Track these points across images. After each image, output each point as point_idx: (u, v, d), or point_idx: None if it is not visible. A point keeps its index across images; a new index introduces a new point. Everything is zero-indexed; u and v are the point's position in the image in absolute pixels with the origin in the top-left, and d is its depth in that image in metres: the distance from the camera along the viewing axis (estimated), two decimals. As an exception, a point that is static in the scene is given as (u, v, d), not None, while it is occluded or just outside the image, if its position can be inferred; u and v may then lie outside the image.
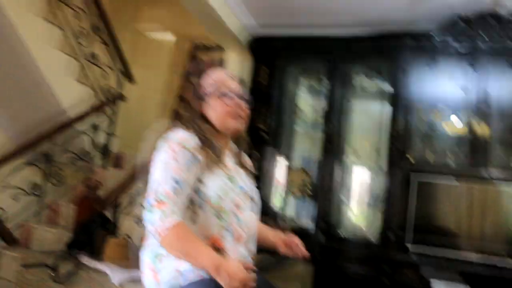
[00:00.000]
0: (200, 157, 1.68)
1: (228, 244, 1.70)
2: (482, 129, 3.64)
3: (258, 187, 1.95)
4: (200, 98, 1.83)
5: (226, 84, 1.83)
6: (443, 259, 3.49)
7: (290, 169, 4.25)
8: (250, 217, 1.80)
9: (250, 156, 2.02)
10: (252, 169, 1.99)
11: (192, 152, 1.66)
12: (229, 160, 1.85)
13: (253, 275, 1.51)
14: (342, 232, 3.93)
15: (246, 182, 1.86)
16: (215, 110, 1.80)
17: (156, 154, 1.69)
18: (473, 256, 3.46)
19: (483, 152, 3.61)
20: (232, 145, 1.91)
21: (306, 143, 4.37)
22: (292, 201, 4.25)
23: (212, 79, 1.85)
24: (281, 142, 4.26)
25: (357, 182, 4.10)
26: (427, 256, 3.54)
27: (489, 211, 3.56)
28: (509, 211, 3.55)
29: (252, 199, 1.84)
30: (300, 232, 3.82)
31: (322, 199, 3.96)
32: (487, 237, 3.51)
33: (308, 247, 1.92)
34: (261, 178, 4.00)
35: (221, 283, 1.49)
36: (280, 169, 4.21)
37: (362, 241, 3.84)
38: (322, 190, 3.98)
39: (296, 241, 1.93)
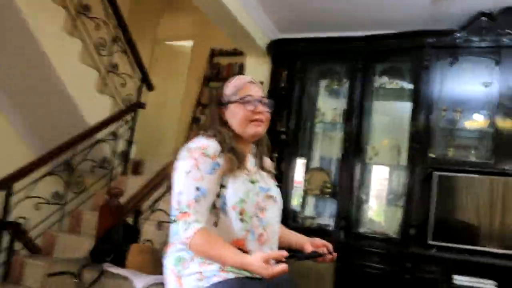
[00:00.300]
0: (221, 163, 1.68)
1: (251, 246, 1.69)
2: (505, 124, 3.58)
3: (279, 188, 1.93)
4: (221, 104, 1.82)
5: (246, 89, 1.81)
6: (465, 254, 3.47)
7: (309, 169, 4.24)
8: (272, 218, 1.79)
9: (270, 158, 2.00)
10: (273, 171, 1.98)
11: (213, 159, 1.67)
12: (250, 163, 1.84)
13: (279, 267, 1.46)
14: (363, 230, 3.92)
15: (268, 184, 1.85)
16: (235, 116, 1.79)
17: (178, 163, 1.70)
18: (494, 250, 3.44)
19: (505, 147, 3.56)
20: (253, 148, 1.90)
21: (325, 143, 4.37)
22: (312, 200, 4.25)
23: (233, 85, 1.84)
24: (301, 143, 4.25)
25: (377, 180, 4.08)
26: (448, 251, 3.51)
27: (511, 205, 3.54)
28: None
29: (274, 200, 1.83)
30: (321, 231, 3.87)
31: (342, 198, 3.96)
32: (509, 230, 3.50)
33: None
34: (281, 179, 3.99)
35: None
36: (300, 169, 4.19)
37: (383, 237, 3.83)
38: (342, 188, 3.98)
39: (325, 242, 1.89)
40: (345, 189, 3.95)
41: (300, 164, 4.20)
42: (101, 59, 4.72)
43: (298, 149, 4.21)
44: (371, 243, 3.79)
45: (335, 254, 1.83)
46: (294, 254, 1.59)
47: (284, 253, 1.50)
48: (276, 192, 1.86)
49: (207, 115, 1.86)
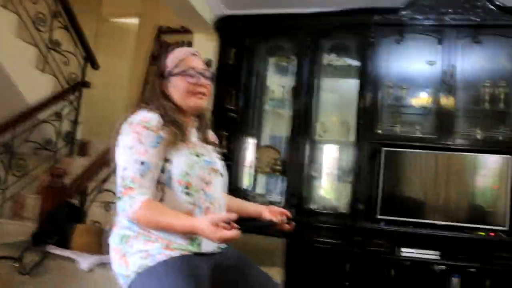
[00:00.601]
0: (164, 135, 1.64)
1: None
2: (447, 101, 3.72)
3: (228, 166, 1.91)
4: (163, 76, 1.78)
5: (188, 61, 1.78)
6: (411, 226, 3.63)
7: (259, 147, 4.25)
8: (218, 192, 1.78)
9: (218, 135, 1.98)
10: (217, 143, 1.96)
11: (156, 132, 1.63)
12: (194, 136, 1.81)
13: (229, 232, 1.45)
14: (313, 206, 3.99)
15: (212, 157, 1.82)
16: (177, 88, 1.75)
17: (119, 138, 1.66)
18: (438, 222, 3.63)
19: (448, 123, 3.72)
20: (196, 121, 1.86)
21: (274, 121, 4.39)
22: (262, 178, 4.27)
23: (175, 56, 1.80)
24: (250, 121, 4.25)
25: (326, 156, 4.14)
26: (396, 224, 3.66)
27: (454, 178, 3.74)
28: (472, 178, 3.73)
29: (219, 173, 1.81)
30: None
31: (292, 175, 4.01)
32: (452, 203, 3.71)
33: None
34: (230, 157, 4.00)
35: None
36: (249, 147, 4.20)
37: (333, 213, 3.93)
38: (292, 166, 4.03)
39: (283, 210, 1.91)
40: (295, 166, 4.00)
41: (249, 142, 4.20)
42: (41, 35, 4.50)
43: (247, 127, 4.20)
44: (321, 219, 3.87)
45: (293, 224, 1.85)
46: (249, 225, 1.56)
47: (233, 215, 1.49)
48: (220, 165, 1.85)
49: (149, 88, 1.80)
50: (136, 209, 1.54)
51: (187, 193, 1.65)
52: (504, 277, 3.38)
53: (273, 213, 1.90)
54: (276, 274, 3.02)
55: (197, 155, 1.73)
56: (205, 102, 1.81)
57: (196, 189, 1.67)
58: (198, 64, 1.79)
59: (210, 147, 1.86)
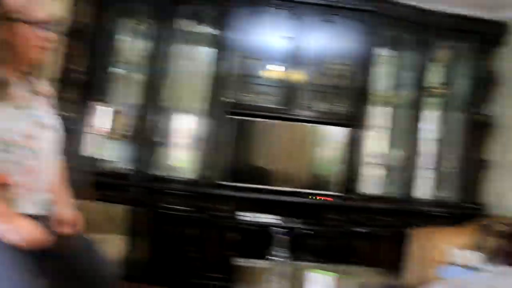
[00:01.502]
0: None
1: (18, 178, 1.56)
2: (297, 75, 3.93)
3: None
4: (2, 19, 1.56)
5: (34, 8, 1.59)
6: (256, 192, 3.86)
7: (109, 112, 4.03)
8: (44, 148, 1.66)
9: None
10: (49, 95, 1.81)
11: None
12: (21, 89, 1.64)
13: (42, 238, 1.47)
14: (162, 173, 3.96)
15: (41, 111, 1.69)
16: (19, 36, 1.57)
17: None
18: (282, 188, 3.89)
19: (296, 96, 3.95)
20: (26, 73, 1.69)
21: (126, 86, 4.15)
22: (111, 145, 4.06)
23: (21, 1, 1.58)
24: (99, 85, 3.97)
25: (178, 124, 4.09)
26: (241, 191, 3.84)
27: (298, 147, 4.03)
28: (314, 147, 4.05)
29: (46, 127, 1.68)
30: (120, 175, 3.79)
31: (142, 142, 3.92)
32: (296, 170, 3.99)
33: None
34: (78, 122, 3.71)
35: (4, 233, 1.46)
36: (99, 112, 3.95)
37: (181, 180, 3.93)
38: (143, 133, 3.93)
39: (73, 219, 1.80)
40: (146, 133, 3.92)
41: (99, 106, 3.96)
42: None
43: (97, 91, 3.92)
44: (170, 186, 3.87)
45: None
46: None
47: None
48: (51, 119, 1.72)
49: None
50: None
51: (5, 150, 1.52)
52: (336, 236, 3.81)
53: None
54: (118, 241, 2.95)
55: (20, 108, 1.58)
56: (46, 56, 1.67)
57: (16, 146, 1.54)
58: (46, 15, 1.61)
59: (41, 101, 1.72)
